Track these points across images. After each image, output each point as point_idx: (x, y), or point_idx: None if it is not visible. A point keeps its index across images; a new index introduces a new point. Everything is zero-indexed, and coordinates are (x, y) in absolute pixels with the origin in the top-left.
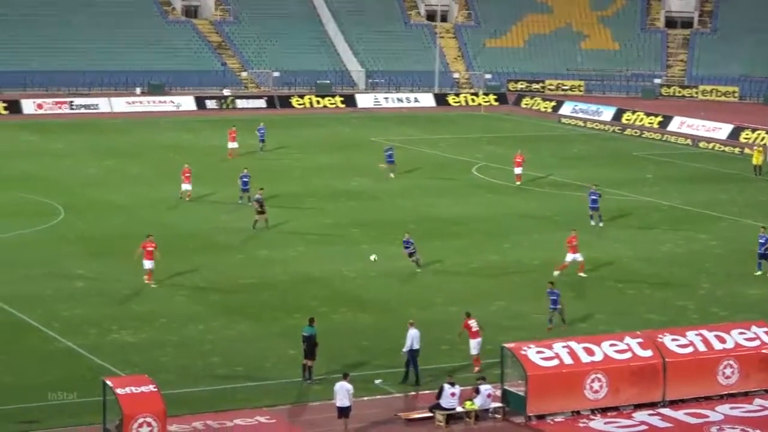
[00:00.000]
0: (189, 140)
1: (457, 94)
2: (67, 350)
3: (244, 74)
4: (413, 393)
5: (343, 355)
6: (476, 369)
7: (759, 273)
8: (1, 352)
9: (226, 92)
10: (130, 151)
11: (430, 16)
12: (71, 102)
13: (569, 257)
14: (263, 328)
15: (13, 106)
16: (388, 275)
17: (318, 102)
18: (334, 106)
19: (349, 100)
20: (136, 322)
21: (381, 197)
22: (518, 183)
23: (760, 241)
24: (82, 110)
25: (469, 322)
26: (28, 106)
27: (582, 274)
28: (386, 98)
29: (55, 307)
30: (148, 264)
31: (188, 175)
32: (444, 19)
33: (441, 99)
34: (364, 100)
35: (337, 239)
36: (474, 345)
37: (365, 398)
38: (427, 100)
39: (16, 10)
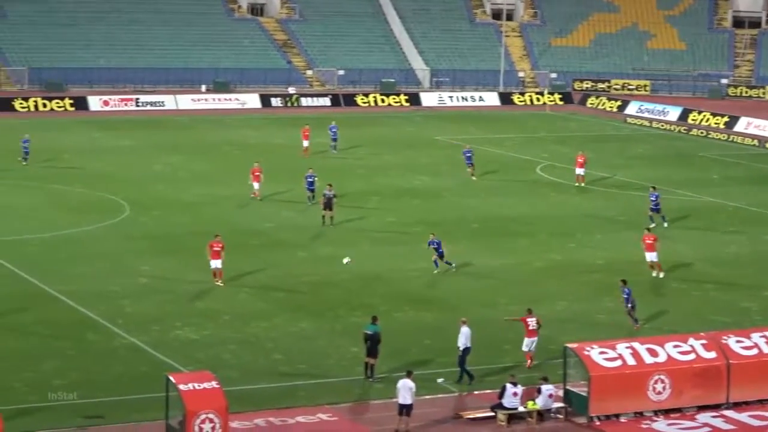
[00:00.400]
0: (254, 138)
1: (522, 93)
2: (130, 346)
3: (309, 72)
4: (476, 392)
5: (405, 353)
6: (527, 364)
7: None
8: (66, 347)
9: (291, 90)
10: (196, 149)
11: (496, 15)
12: (137, 99)
13: (648, 256)
14: (326, 326)
15: (80, 103)
16: (451, 274)
17: (382, 100)
18: (398, 104)
19: (414, 99)
20: (200, 319)
21: (445, 196)
22: (581, 184)
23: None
24: (148, 107)
25: (528, 319)
26: (95, 102)
27: (659, 274)
28: (451, 97)
29: (120, 303)
30: (214, 263)
31: (258, 174)
32: (510, 17)
33: (506, 98)
34: (428, 99)
35: (400, 238)
36: (527, 342)
37: (427, 397)
38: (491, 99)
39: (84, 7)
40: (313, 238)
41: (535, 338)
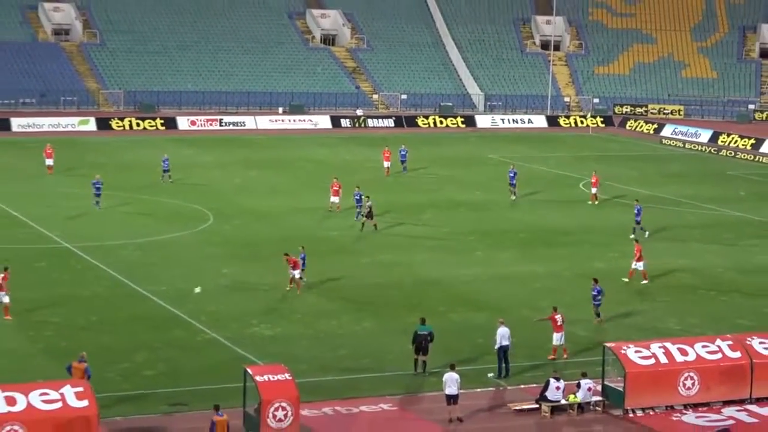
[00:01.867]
0: (325, 155)
1: (568, 116)
2: (212, 341)
3: (375, 96)
4: (522, 386)
5: (458, 350)
6: (552, 357)
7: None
8: (155, 342)
9: (358, 112)
10: (273, 164)
11: (545, 45)
12: (221, 119)
13: (634, 265)
14: (387, 325)
15: (170, 123)
16: (500, 279)
17: (441, 122)
18: (455, 125)
19: (469, 121)
20: (274, 318)
21: (495, 209)
22: (594, 202)
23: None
24: (231, 127)
25: (555, 316)
26: (183, 122)
27: (626, 279)
28: (503, 119)
29: (202, 302)
30: (294, 273)
31: (337, 188)
32: (557, 48)
33: (552, 120)
34: (482, 121)
35: (454, 246)
36: (557, 338)
37: (478, 390)
38: (539, 121)
39: (175, 37)
40: (374, 246)
41: (563, 333)
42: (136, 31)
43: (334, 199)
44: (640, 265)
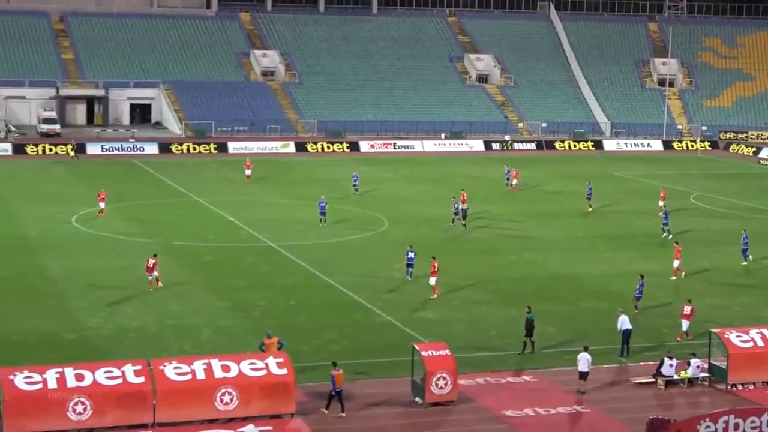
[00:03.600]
0: (478, 172)
1: (680, 141)
2: (386, 323)
3: (520, 124)
4: (641, 363)
5: (587, 333)
6: (679, 339)
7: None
8: (341, 322)
9: (506, 137)
10: (436, 180)
11: (661, 83)
12: (395, 143)
13: (675, 263)
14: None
15: (354, 146)
16: (623, 275)
17: (574, 146)
18: (586, 148)
19: (598, 144)
20: (437, 304)
21: (619, 216)
22: (661, 213)
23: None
24: (402, 149)
25: (685, 306)
26: (364, 146)
27: (674, 278)
28: (626, 143)
29: (379, 291)
30: (431, 281)
31: (464, 198)
32: (672, 84)
33: (667, 144)
34: (609, 145)
35: (585, 247)
36: (685, 324)
37: (605, 366)
38: (656, 145)
39: (359, 77)
40: (518, 247)
41: (689, 321)
42: (327, 72)
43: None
44: (676, 263)
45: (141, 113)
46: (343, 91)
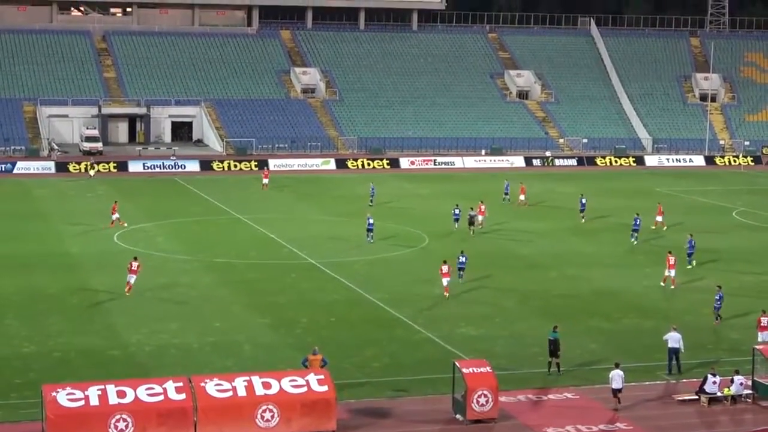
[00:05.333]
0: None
1: (723, 156)
2: (427, 339)
3: (561, 140)
4: (684, 380)
5: (629, 350)
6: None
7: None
8: (381, 339)
9: (547, 153)
10: (477, 196)
11: (703, 98)
12: (435, 159)
13: (667, 272)
14: (571, 327)
15: (394, 163)
16: (663, 292)
17: (616, 161)
18: (627, 164)
19: (640, 160)
20: (478, 320)
21: (660, 232)
22: (663, 227)
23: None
24: (443, 166)
25: (762, 318)
26: (404, 162)
27: (672, 286)
28: (668, 159)
29: (420, 307)
30: (444, 281)
31: (483, 209)
32: (713, 100)
33: (709, 160)
34: (651, 160)
35: (627, 263)
36: (761, 336)
37: (646, 383)
38: (698, 160)
39: (398, 94)
40: (561, 263)
41: (767, 332)
42: (367, 89)
43: (480, 218)
44: (672, 272)
45: (182, 131)
46: (383, 108)
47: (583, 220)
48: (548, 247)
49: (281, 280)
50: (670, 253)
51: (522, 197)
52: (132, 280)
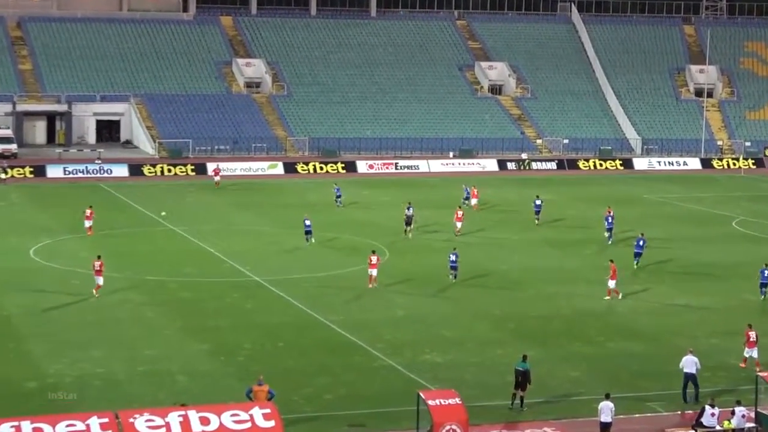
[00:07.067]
0: (491, 195)
1: (721, 159)
2: (388, 367)
3: (539, 141)
4: (678, 412)
5: (616, 378)
6: (742, 365)
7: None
8: (336, 367)
9: (523, 156)
10: (444, 204)
11: (698, 93)
12: (396, 163)
13: (611, 283)
14: (550, 353)
15: (350, 166)
16: (656, 310)
17: (600, 165)
18: (614, 168)
19: (627, 163)
20: (445, 346)
21: (651, 245)
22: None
23: None
24: (405, 170)
25: (750, 332)
26: (362, 166)
27: (618, 296)
28: (659, 162)
29: (380, 331)
30: (373, 271)
31: (461, 215)
32: (710, 95)
33: (706, 163)
34: (640, 164)
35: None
36: (749, 352)
37: (636, 415)
38: (694, 163)
39: (355, 89)
40: (537, 280)
41: (755, 348)
42: (320, 83)
43: (458, 225)
44: (612, 284)
45: (109, 131)
46: (337, 104)
47: (537, 222)
48: (524, 261)
49: (221, 300)
50: (611, 261)
51: (474, 200)
52: (100, 281)
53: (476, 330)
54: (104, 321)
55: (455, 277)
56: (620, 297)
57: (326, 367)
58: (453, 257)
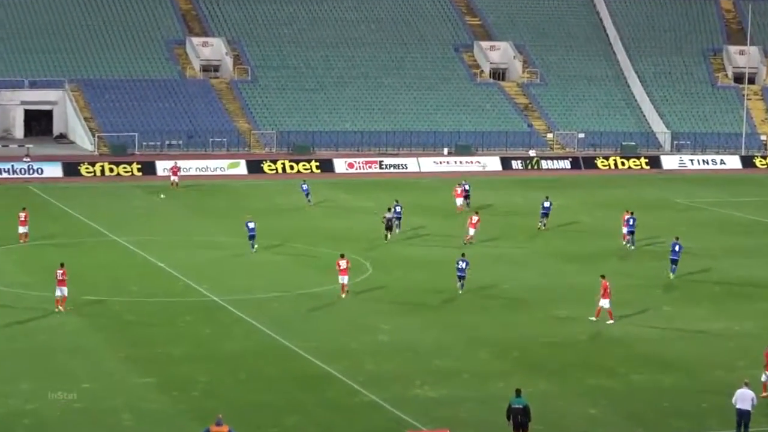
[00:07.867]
0: (494, 198)
1: (764, 157)
2: (371, 403)
3: (549, 135)
4: None
5: (641, 416)
6: (764, 395)
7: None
8: (308, 402)
9: (531, 153)
10: (437, 210)
11: (738, 78)
12: (381, 161)
13: (604, 303)
14: (563, 387)
15: (326, 165)
16: (691, 337)
17: (623, 163)
18: (638, 167)
19: (654, 162)
20: (439, 378)
21: (685, 258)
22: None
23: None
24: (391, 170)
25: None
26: (340, 165)
27: (593, 318)
28: (692, 160)
29: (360, 360)
30: (343, 279)
31: (476, 221)
32: (752, 81)
33: (747, 161)
34: (669, 162)
35: (638, 300)
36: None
37: None
38: (733, 162)
39: (331, 73)
40: (548, 300)
41: None
42: (290, 66)
43: (471, 231)
44: (605, 303)
45: (39, 123)
46: (310, 91)
47: (544, 227)
48: (532, 277)
49: (172, 324)
50: (603, 277)
51: (459, 201)
52: (65, 292)
53: (474, 359)
54: (36, 349)
55: (462, 286)
56: (612, 321)
57: (297, 403)
58: (463, 264)
